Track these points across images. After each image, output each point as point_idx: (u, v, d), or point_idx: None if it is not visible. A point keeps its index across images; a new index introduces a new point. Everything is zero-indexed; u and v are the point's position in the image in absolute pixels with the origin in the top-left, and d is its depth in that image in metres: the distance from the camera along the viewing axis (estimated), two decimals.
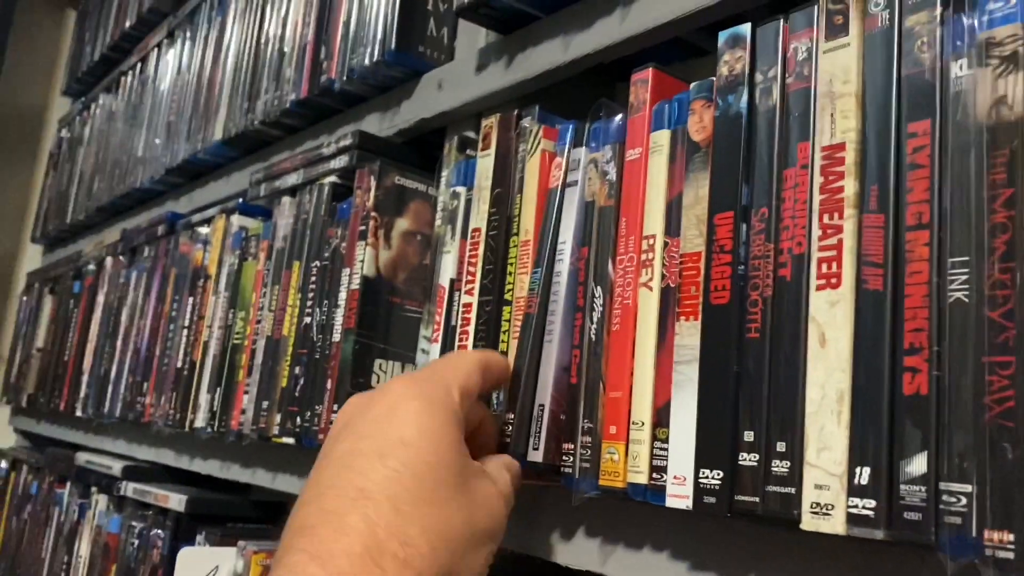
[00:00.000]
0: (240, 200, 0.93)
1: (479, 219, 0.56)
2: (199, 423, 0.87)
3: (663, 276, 0.44)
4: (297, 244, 0.77)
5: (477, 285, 0.55)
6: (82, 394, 1.24)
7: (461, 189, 0.60)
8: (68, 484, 1.27)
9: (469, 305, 0.55)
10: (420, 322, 0.67)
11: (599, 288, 0.47)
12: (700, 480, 0.39)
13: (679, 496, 0.40)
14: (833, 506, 0.34)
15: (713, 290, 0.41)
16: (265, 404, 0.76)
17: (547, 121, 0.54)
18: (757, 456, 0.38)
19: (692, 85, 0.45)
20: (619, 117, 0.49)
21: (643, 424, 0.43)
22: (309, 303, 0.73)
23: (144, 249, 1.16)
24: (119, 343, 1.15)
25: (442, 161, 0.67)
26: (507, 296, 0.53)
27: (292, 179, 0.81)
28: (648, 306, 0.44)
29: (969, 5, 0.34)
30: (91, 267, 1.35)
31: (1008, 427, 0.30)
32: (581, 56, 0.57)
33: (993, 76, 0.33)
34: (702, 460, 0.40)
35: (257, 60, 0.96)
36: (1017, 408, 0.30)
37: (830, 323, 0.36)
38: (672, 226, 0.44)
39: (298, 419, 0.71)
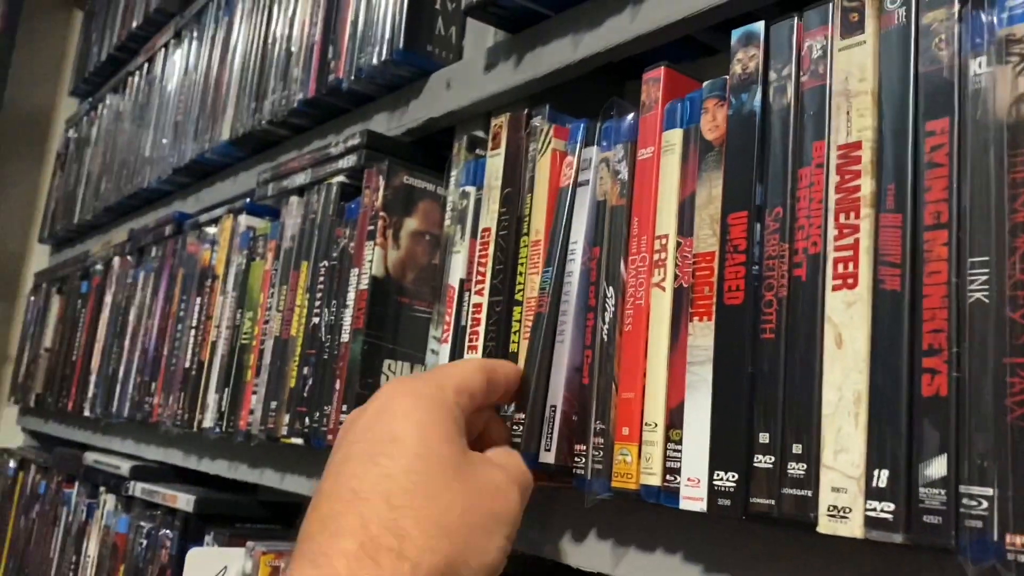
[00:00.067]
0: (248, 200, 0.93)
1: (489, 219, 0.56)
2: (207, 423, 0.87)
3: (676, 276, 0.44)
4: (305, 244, 0.77)
5: (487, 285, 0.55)
6: (90, 394, 1.24)
7: (471, 189, 0.60)
8: (76, 484, 1.27)
9: (479, 305, 0.55)
10: (429, 322, 0.67)
11: (611, 288, 0.46)
12: (715, 482, 0.39)
13: (693, 498, 0.40)
14: (850, 509, 0.34)
15: (727, 290, 0.40)
16: (273, 404, 0.75)
17: (558, 120, 0.54)
18: (772, 458, 0.37)
19: (705, 84, 0.44)
20: (631, 116, 0.48)
21: (656, 425, 0.43)
22: (317, 303, 0.73)
23: (152, 249, 1.16)
24: (127, 343, 1.15)
25: (451, 160, 0.67)
26: (517, 296, 0.53)
27: (300, 179, 0.81)
28: (661, 306, 0.44)
29: (988, 2, 0.34)
30: (99, 267, 1.35)
31: None
32: (591, 55, 0.57)
33: (1013, 74, 0.32)
34: (716, 462, 0.39)
35: (264, 60, 0.96)
36: None
37: (847, 323, 0.36)
38: (685, 226, 0.44)
39: (307, 419, 0.70)
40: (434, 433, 0.39)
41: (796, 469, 0.36)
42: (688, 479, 0.40)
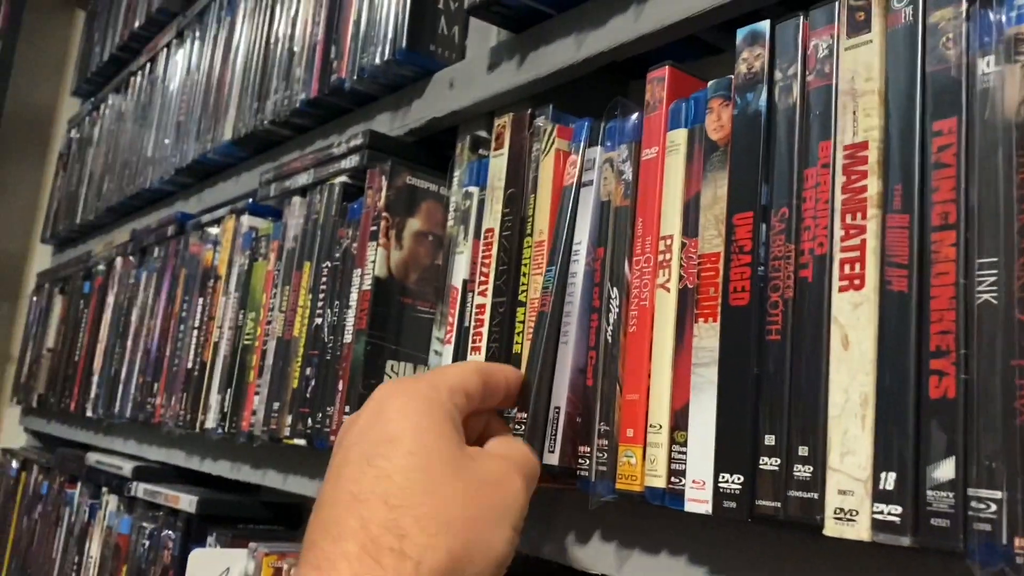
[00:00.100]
0: (250, 200, 0.93)
1: (492, 219, 0.56)
2: (210, 424, 0.87)
3: (681, 277, 0.43)
4: (308, 244, 0.77)
5: (491, 286, 0.55)
6: (92, 394, 1.24)
7: (474, 189, 0.59)
8: (79, 484, 1.27)
9: (483, 306, 0.55)
10: (431, 323, 0.67)
11: (615, 289, 0.46)
12: (720, 484, 0.39)
13: (698, 500, 0.40)
14: (857, 512, 0.34)
15: (732, 291, 0.40)
16: (276, 405, 0.75)
17: (561, 120, 0.53)
18: (778, 460, 0.37)
19: (710, 83, 0.44)
20: (635, 116, 0.48)
21: (661, 427, 0.42)
22: (320, 304, 0.72)
23: (154, 249, 1.16)
24: (129, 343, 1.15)
25: (454, 161, 0.67)
26: (521, 297, 0.53)
27: (302, 179, 0.81)
28: (665, 307, 0.44)
29: (996, 0, 0.34)
30: (101, 267, 1.35)
31: None
32: (595, 54, 0.56)
33: (1022, 73, 0.32)
34: (722, 464, 0.39)
35: (267, 60, 0.96)
36: None
37: (853, 325, 0.35)
38: (690, 226, 0.44)
39: (309, 420, 0.70)
40: (429, 431, 0.39)
41: (802, 471, 0.36)
42: (693, 481, 0.40)
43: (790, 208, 0.39)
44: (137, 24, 1.49)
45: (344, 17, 0.81)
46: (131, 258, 1.24)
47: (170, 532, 0.96)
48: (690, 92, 0.46)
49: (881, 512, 0.33)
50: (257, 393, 0.79)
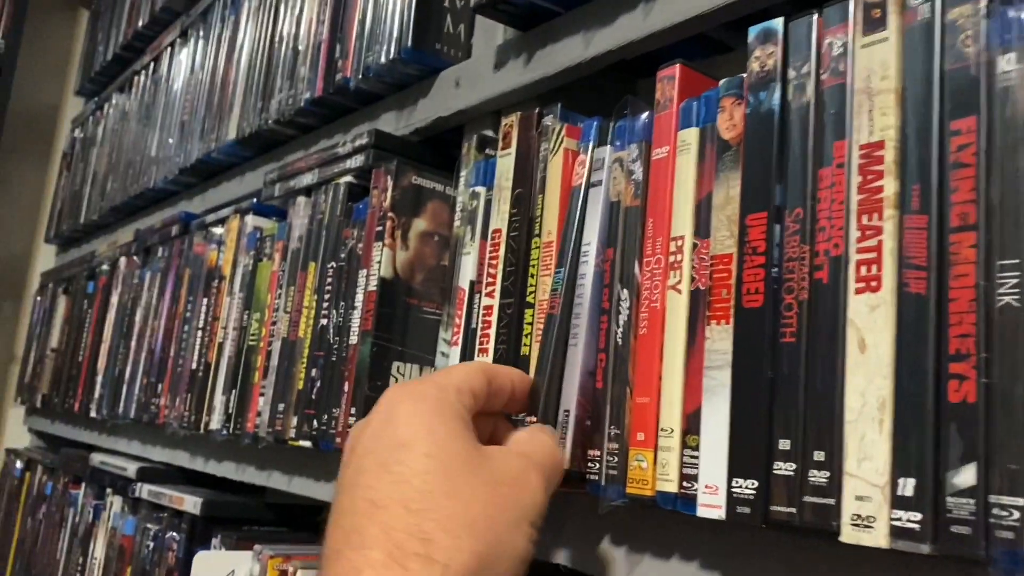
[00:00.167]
0: (254, 200, 0.92)
1: (500, 220, 0.55)
2: (214, 425, 0.86)
3: (692, 279, 0.43)
4: (313, 245, 0.76)
5: (498, 287, 0.54)
6: (96, 395, 1.23)
7: (481, 189, 0.59)
8: (83, 485, 1.27)
9: (490, 308, 0.54)
10: (437, 324, 0.66)
11: (625, 290, 0.46)
12: (733, 489, 0.38)
13: (711, 506, 0.39)
14: (875, 518, 0.33)
15: (746, 293, 0.40)
16: (281, 406, 0.75)
17: (569, 119, 0.53)
18: (794, 465, 0.36)
19: (722, 82, 0.43)
20: (645, 115, 0.47)
21: (672, 431, 0.42)
22: (325, 304, 0.72)
23: (158, 249, 1.16)
24: (133, 344, 1.14)
25: (461, 160, 0.66)
26: (529, 299, 0.52)
27: (307, 179, 0.80)
28: (677, 309, 0.43)
29: None
30: (105, 267, 1.35)
31: None
32: (603, 52, 0.56)
33: None
34: (735, 469, 0.38)
35: (271, 59, 0.96)
36: None
37: (870, 328, 0.35)
38: (701, 227, 0.43)
39: (315, 422, 0.70)
40: (442, 432, 0.38)
41: (818, 477, 0.35)
42: (706, 486, 0.40)
43: (805, 209, 0.38)
44: (141, 23, 1.49)
45: (349, 16, 0.81)
46: (135, 258, 1.23)
47: (174, 534, 0.96)
48: (701, 91, 0.45)
49: (900, 519, 0.32)
50: (262, 394, 0.78)
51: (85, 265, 1.46)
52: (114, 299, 1.26)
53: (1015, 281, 0.31)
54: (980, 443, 0.31)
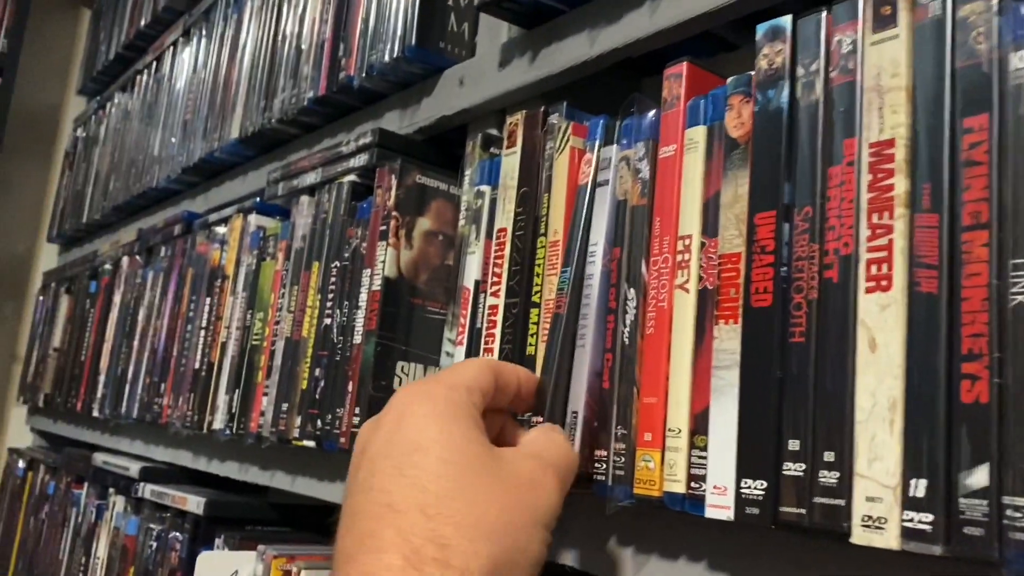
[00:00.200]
0: (257, 199, 0.92)
1: (505, 219, 0.55)
2: (217, 425, 0.86)
3: (700, 278, 0.43)
4: (316, 244, 0.76)
5: (503, 287, 0.54)
6: (99, 394, 1.23)
7: (486, 188, 0.59)
8: (85, 485, 1.27)
9: (495, 307, 0.54)
10: (442, 324, 0.66)
11: (632, 290, 0.45)
12: (742, 490, 0.38)
13: (720, 506, 0.39)
14: (886, 519, 0.33)
15: (754, 292, 0.39)
16: (284, 406, 0.75)
17: (575, 117, 0.53)
18: (803, 466, 0.36)
19: (730, 80, 0.43)
20: (652, 113, 0.47)
21: (680, 431, 0.42)
22: (329, 304, 0.72)
23: (161, 249, 1.16)
24: (136, 343, 1.14)
25: (465, 159, 0.66)
26: (535, 298, 0.52)
27: (310, 178, 0.80)
28: (684, 309, 0.43)
29: None
30: (107, 267, 1.34)
31: None
32: (609, 51, 0.56)
33: None
34: (744, 469, 0.38)
35: (274, 58, 0.95)
36: None
37: (881, 327, 0.35)
38: (709, 226, 0.43)
39: (318, 422, 0.70)
40: (457, 435, 0.38)
41: (828, 477, 0.35)
42: (714, 487, 0.39)
43: (814, 207, 0.38)
44: (143, 22, 1.48)
45: (353, 14, 0.80)
46: (138, 257, 1.23)
47: (177, 534, 0.95)
48: (708, 89, 0.45)
49: (911, 520, 0.32)
50: (265, 394, 0.78)
51: (88, 264, 1.46)
52: (117, 298, 1.26)
53: None
54: (993, 444, 0.31)
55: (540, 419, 0.47)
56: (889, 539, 0.33)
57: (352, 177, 0.74)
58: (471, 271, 0.58)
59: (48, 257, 1.94)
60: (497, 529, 0.35)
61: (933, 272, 0.33)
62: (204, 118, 1.12)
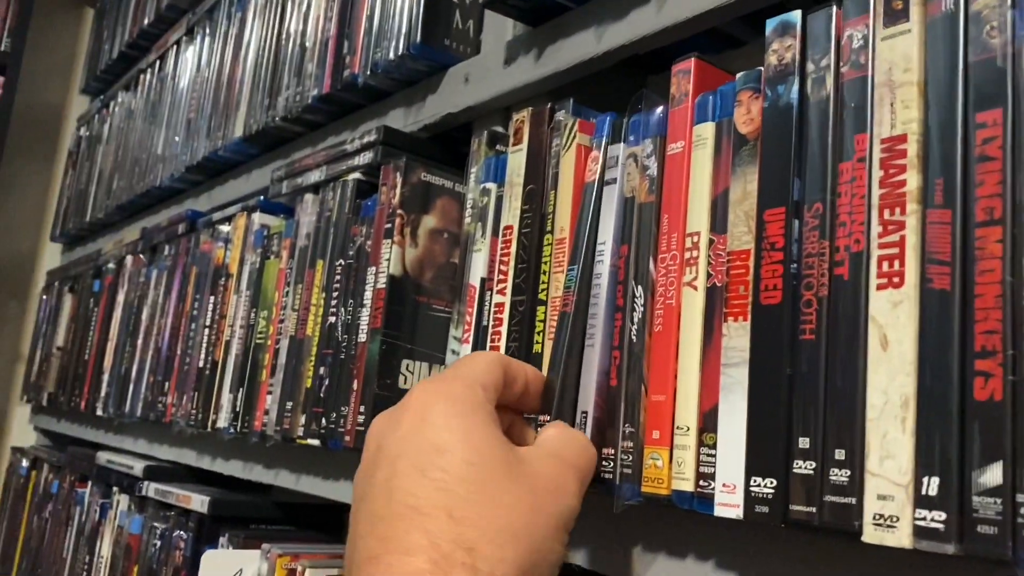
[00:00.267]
0: (261, 198, 0.92)
1: (511, 216, 0.55)
2: (221, 423, 0.86)
3: (709, 275, 0.42)
4: (321, 242, 0.76)
5: (509, 284, 0.54)
6: (102, 393, 1.23)
7: (491, 185, 0.58)
8: (89, 483, 1.27)
9: (501, 305, 0.54)
10: (447, 321, 0.66)
11: (640, 287, 0.45)
12: (751, 488, 0.38)
13: (729, 505, 0.39)
14: (898, 518, 0.32)
15: (764, 289, 0.39)
16: (289, 405, 0.74)
17: (582, 114, 0.52)
18: (813, 464, 0.36)
19: (738, 75, 0.43)
20: (660, 109, 0.47)
21: (688, 429, 0.41)
22: (334, 302, 0.71)
23: (164, 247, 1.16)
24: (140, 342, 1.14)
25: (471, 157, 0.66)
26: (541, 296, 0.52)
27: (315, 176, 0.80)
28: (693, 306, 0.43)
29: None
30: (111, 266, 1.34)
31: None
32: (615, 47, 0.55)
33: None
34: (753, 467, 0.38)
35: (278, 56, 0.95)
36: None
37: (892, 324, 0.34)
38: (718, 223, 0.42)
39: (323, 420, 0.69)
40: (479, 437, 0.37)
41: (839, 476, 0.35)
42: (723, 485, 0.39)
43: (824, 203, 0.38)
44: (146, 21, 1.48)
45: (357, 12, 0.80)
46: (141, 256, 1.23)
47: (182, 532, 0.95)
48: (716, 85, 0.45)
49: (924, 518, 0.32)
50: (270, 392, 0.78)
51: (91, 263, 1.46)
52: (120, 297, 1.26)
53: None
54: (1007, 441, 0.30)
55: (547, 418, 0.47)
56: (901, 538, 0.32)
57: (357, 175, 0.74)
58: (477, 269, 0.57)
59: (52, 256, 1.94)
60: (522, 532, 0.35)
61: (946, 268, 0.33)
62: (208, 116, 1.12)
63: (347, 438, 0.66)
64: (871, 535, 0.33)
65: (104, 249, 1.43)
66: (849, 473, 0.34)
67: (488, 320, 0.55)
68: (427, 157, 0.70)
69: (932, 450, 0.32)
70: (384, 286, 0.65)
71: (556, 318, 0.49)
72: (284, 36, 0.95)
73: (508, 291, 0.53)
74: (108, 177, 1.52)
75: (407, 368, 0.66)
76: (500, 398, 0.43)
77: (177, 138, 1.22)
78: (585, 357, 0.46)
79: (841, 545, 0.37)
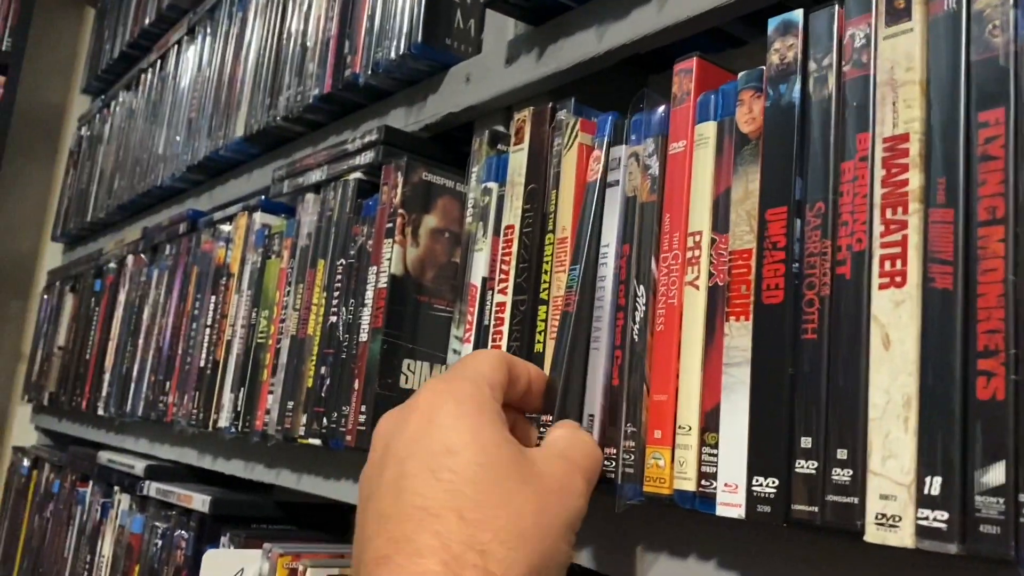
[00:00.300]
0: (263, 197, 0.92)
1: (512, 216, 0.55)
2: (223, 423, 0.86)
3: (711, 274, 0.42)
4: (322, 242, 0.76)
5: (511, 284, 0.54)
6: (104, 393, 1.23)
7: (493, 185, 0.58)
8: (90, 483, 1.27)
9: (503, 304, 0.54)
10: (448, 321, 0.66)
11: (642, 287, 0.45)
12: (753, 488, 0.38)
13: (731, 504, 0.39)
14: (900, 517, 0.32)
15: (765, 289, 0.39)
16: (290, 404, 0.74)
17: (584, 114, 0.52)
18: (816, 464, 0.36)
19: (740, 75, 0.43)
20: (661, 109, 0.47)
21: (690, 428, 0.41)
22: (335, 302, 0.71)
23: (165, 247, 1.16)
24: (141, 342, 1.14)
25: (472, 156, 0.66)
26: (543, 295, 0.52)
27: (316, 176, 0.80)
28: (695, 306, 0.43)
29: None
30: (112, 265, 1.34)
31: None
32: (617, 47, 0.55)
33: None
34: (755, 467, 0.38)
35: (279, 55, 0.95)
36: None
37: (894, 324, 0.34)
38: (719, 222, 0.42)
39: (324, 420, 0.69)
40: (488, 438, 0.37)
41: (841, 475, 0.35)
42: (725, 484, 0.39)
43: (826, 203, 0.38)
44: (147, 21, 1.48)
45: (358, 11, 0.80)
46: (142, 256, 1.23)
47: (183, 532, 0.95)
48: (718, 84, 0.45)
49: (926, 518, 0.32)
50: (271, 392, 0.78)
51: (92, 263, 1.46)
52: (121, 297, 1.26)
53: None
54: (1009, 441, 0.30)
55: (549, 417, 0.47)
56: (903, 537, 0.32)
57: (358, 175, 0.74)
58: (478, 268, 0.57)
59: (53, 256, 1.94)
60: (533, 534, 0.35)
61: (948, 268, 0.33)
62: (209, 116, 1.12)
63: (348, 438, 0.66)
64: (873, 535, 0.33)
65: (105, 249, 1.43)
66: (851, 473, 0.34)
67: (489, 320, 0.55)
68: (428, 157, 0.70)
69: (934, 450, 0.32)
70: (385, 286, 0.65)
71: (558, 318, 0.49)
72: (285, 36, 0.95)
73: (509, 291, 0.53)
74: (109, 177, 1.52)
75: (408, 368, 0.66)
76: (504, 396, 0.43)
77: (178, 138, 1.22)
78: (591, 360, 0.46)
79: (843, 545, 0.36)
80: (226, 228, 0.97)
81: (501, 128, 0.65)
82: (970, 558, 0.31)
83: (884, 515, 0.33)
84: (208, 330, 0.94)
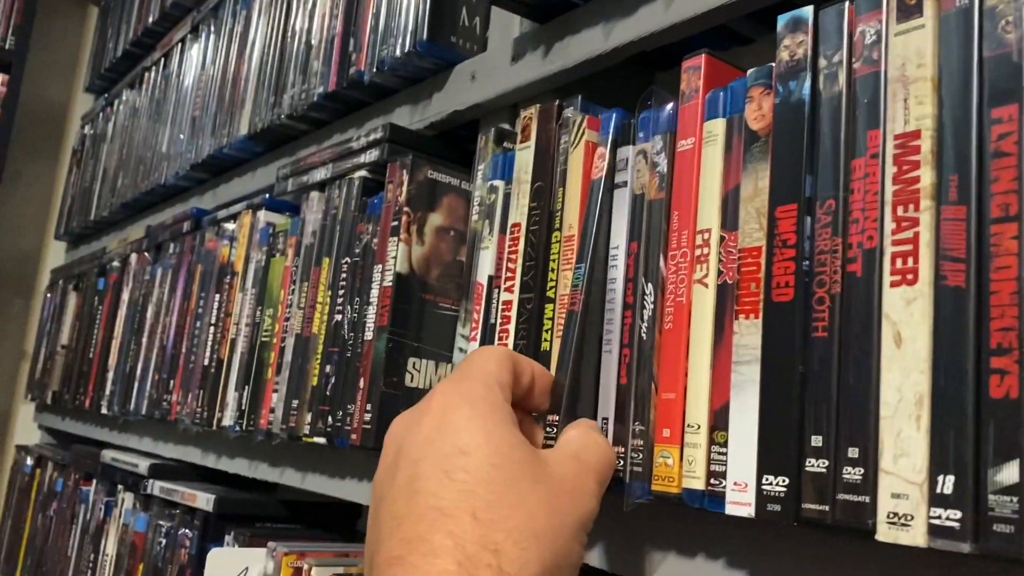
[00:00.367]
0: (267, 195, 0.91)
1: (519, 214, 0.54)
2: (227, 421, 0.86)
3: (720, 272, 0.42)
4: (327, 240, 0.75)
5: (517, 282, 0.53)
6: (107, 391, 1.23)
7: (499, 183, 0.58)
8: (94, 482, 1.27)
9: (509, 303, 0.54)
10: (454, 319, 0.66)
11: (650, 285, 0.45)
12: (763, 487, 0.37)
13: (740, 503, 0.38)
14: (912, 516, 0.32)
15: (775, 287, 0.39)
16: (295, 403, 0.74)
17: (591, 111, 0.52)
18: (826, 462, 0.35)
19: (750, 71, 0.43)
20: (670, 106, 0.46)
21: (699, 427, 0.41)
22: (340, 300, 0.71)
23: (169, 246, 1.15)
24: (144, 340, 1.14)
25: (478, 154, 0.65)
26: (549, 293, 0.51)
27: (320, 174, 0.80)
28: (703, 304, 0.42)
29: None
30: (116, 264, 1.34)
31: None
32: (624, 44, 0.55)
33: None
34: (765, 466, 0.38)
35: (283, 53, 0.95)
36: None
37: (906, 322, 0.34)
38: (728, 220, 0.42)
39: (329, 418, 0.69)
40: (501, 439, 0.37)
41: (852, 474, 0.35)
42: (735, 483, 0.39)
43: (837, 200, 0.37)
44: (151, 19, 1.48)
45: (363, 9, 0.80)
46: (146, 254, 1.23)
47: (187, 531, 0.95)
48: (726, 81, 0.44)
49: (939, 517, 0.32)
50: (275, 390, 0.78)
51: (96, 262, 1.46)
52: (125, 295, 1.26)
53: None
54: (1023, 439, 0.30)
55: (555, 417, 0.47)
56: (916, 536, 0.32)
57: (363, 173, 0.74)
58: (484, 266, 0.57)
59: (56, 254, 1.94)
60: (546, 535, 0.35)
61: (960, 265, 0.33)
62: (213, 115, 1.12)
63: (353, 436, 0.66)
64: (885, 534, 0.33)
65: (109, 247, 1.43)
66: (862, 471, 0.34)
67: (496, 318, 0.55)
68: (433, 155, 0.70)
69: (947, 448, 0.32)
70: (390, 284, 0.65)
71: (564, 316, 0.49)
72: (289, 34, 0.95)
73: (516, 289, 0.53)
74: (113, 175, 1.52)
75: (413, 366, 0.65)
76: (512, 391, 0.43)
77: (182, 136, 1.22)
78: (604, 363, 0.46)
79: (854, 544, 0.36)
80: (230, 226, 0.97)
81: (507, 126, 0.64)
82: (983, 557, 0.31)
83: (896, 514, 0.33)
84: (212, 328, 0.94)
